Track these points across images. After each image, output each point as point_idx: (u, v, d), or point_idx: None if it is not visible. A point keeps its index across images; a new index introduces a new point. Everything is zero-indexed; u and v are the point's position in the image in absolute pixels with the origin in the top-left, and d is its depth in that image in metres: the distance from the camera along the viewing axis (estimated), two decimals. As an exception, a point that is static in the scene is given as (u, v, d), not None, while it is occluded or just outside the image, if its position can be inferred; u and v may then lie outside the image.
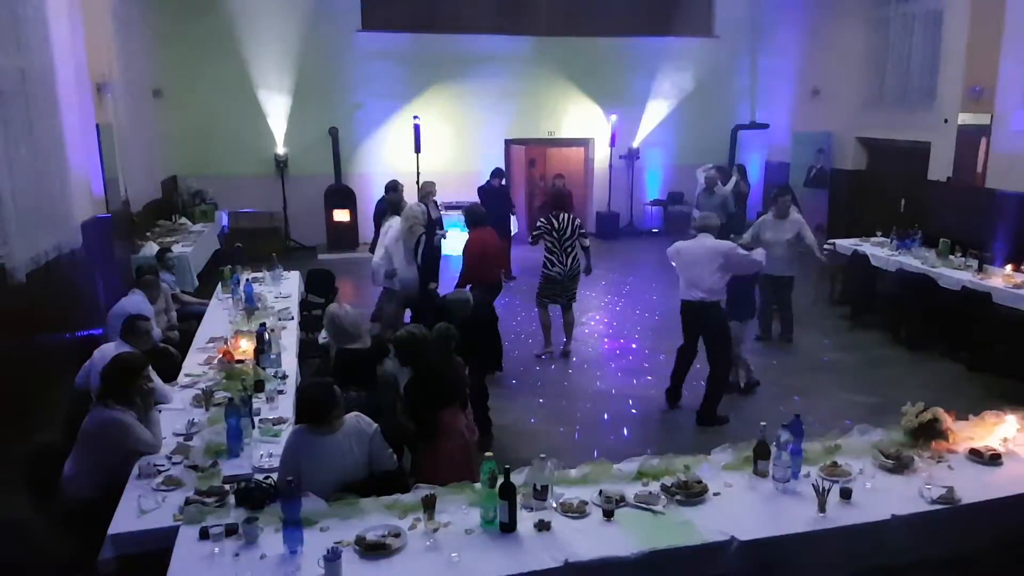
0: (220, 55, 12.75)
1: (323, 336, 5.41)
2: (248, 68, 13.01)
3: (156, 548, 3.20)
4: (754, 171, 14.46)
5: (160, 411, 4.36)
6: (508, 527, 3.23)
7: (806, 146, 13.38)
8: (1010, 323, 7.26)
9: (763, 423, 3.86)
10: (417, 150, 12.87)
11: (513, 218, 12.49)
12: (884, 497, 3.54)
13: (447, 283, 8.26)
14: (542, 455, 3.52)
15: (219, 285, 7.83)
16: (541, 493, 3.42)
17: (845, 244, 9.78)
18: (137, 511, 3.43)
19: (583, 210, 14.50)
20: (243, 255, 9.35)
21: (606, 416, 6.63)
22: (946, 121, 10.20)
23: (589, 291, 9.89)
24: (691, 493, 3.51)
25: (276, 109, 13.30)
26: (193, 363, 5.53)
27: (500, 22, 13.81)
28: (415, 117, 13.01)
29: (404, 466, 4.33)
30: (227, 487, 3.55)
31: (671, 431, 6.28)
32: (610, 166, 14.68)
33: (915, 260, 8.64)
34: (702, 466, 3.82)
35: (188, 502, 3.42)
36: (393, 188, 9.00)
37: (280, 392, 4.90)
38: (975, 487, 3.61)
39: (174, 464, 3.87)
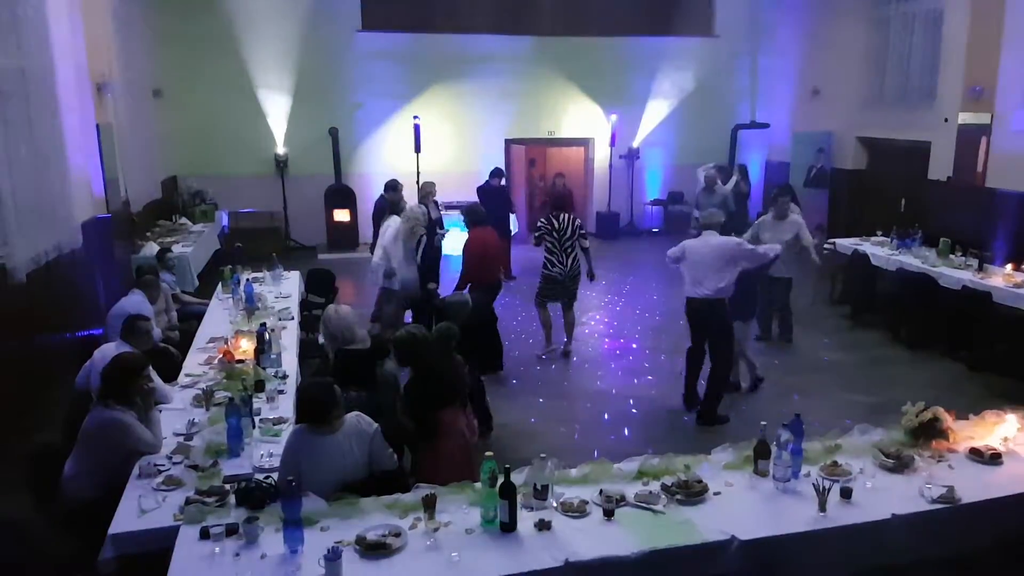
0: (220, 55, 12.75)
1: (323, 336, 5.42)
2: (248, 68, 13.02)
3: (156, 548, 3.20)
4: (754, 171, 14.46)
5: (160, 411, 4.36)
6: (508, 527, 3.23)
7: (806, 146, 13.38)
8: (1010, 322, 7.26)
9: (763, 422, 3.86)
10: (417, 150, 12.87)
11: (513, 218, 12.49)
12: (884, 496, 3.54)
13: (447, 283, 8.27)
14: (542, 455, 3.52)
15: (219, 285, 7.83)
16: (541, 493, 3.42)
17: (845, 244, 9.78)
18: (137, 511, 3.43)
19: (583, 210, 14.51)
20: (243, 255, 9.35)
21: (606, 416, 6.63)
22: (946, 121, 10.20)
23: (589, 291, 9.88)
24: (691, 492, 3.51)
25: (276, 109, 13.31)
26: (193, 363, 5.53)
27: (500, 22, 13.80)
28: (415, 117, 13.01)
29: (404, 466, 4.33)
30: (227, 487, 3.55)
31: (671, 431, 6.28)
32: (610, 166, 14.68)
33: (915, 260, 8.64)
34: (702, 465, 3.82)
35: (188, 502, 3.42)
36: (393, 187, 9.00)
37: (280, 392, 4.90)
38: (975, 486, 3.61)
39: (174, 464, 3.87)
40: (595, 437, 6.18)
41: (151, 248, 9.13)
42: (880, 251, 9.19)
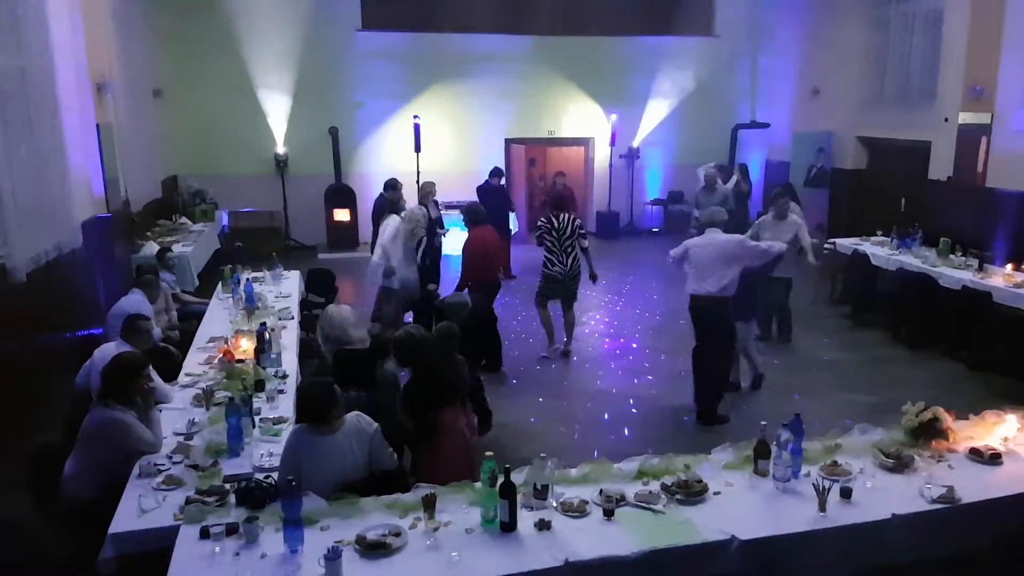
0: (220, 55, 12.75)
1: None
2: (248, 68, 13.02)
3: (157, 547, 3.20)
4: (754, 171, 14.45)
5: (160, 411, 4.36)
6: (508, 526, 3.23)
7: (806, 145, 13.38)
8: (1010, 322, 7.26)
9: (763, 422, 3.86)
10: (417, 149, 12.87)
11: (513, 217, 12.51)
12: (884, 496, 3.54)
13: (448, 283, 8.27)
14: (542, 454, 3.52)
15: (219, 285, 7.84)
16: (541, 492, 3.42)
17: (845, 243, 9.78)
18: (138, 510, 3.43)
19: (583, 209, 14.52)
20: (243, 254, 9.35)
21: (606, 415, 6.63)
22: (946, 120, 10.20)
23: (589, 291, 9.87)
24: (691, 492, 3.51)
25: (276, 109, 13.31)
26: (193, 363, 5.53)
27: (500, 21, 13.81)
28: (415, 116, 13.01)
29: (404, 465, 4.34)
30: (227, 486, 3.55)
31: (671, 430, 6.28)
32: (610, 165, 14.68)
33: (915, 259, 8.64)
34: (702, 465, 3.82)
35: (189, 501, 3.42)
36: (392, 186, 9.01)
37: (280, 392, 4.90)
38: (975, 486, 3.61)
39: (175, 463, 3.87)
40: (595, 437, 6.18)
41: (151, 248, 9.14)
42: (880, 251, 9.19)
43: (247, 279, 7.71)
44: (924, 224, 9.59)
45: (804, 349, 8.25)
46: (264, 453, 3.97)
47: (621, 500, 3.44)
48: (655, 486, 3.59)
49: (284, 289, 7.86)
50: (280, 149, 13.35)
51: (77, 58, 7.16)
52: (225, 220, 12.75)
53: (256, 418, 4.37)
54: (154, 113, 11.82)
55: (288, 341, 5.98)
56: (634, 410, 6.75)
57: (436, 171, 12.17)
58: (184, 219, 11.64)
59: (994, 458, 3.88)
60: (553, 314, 8.06)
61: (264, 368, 5.18)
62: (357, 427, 3.76)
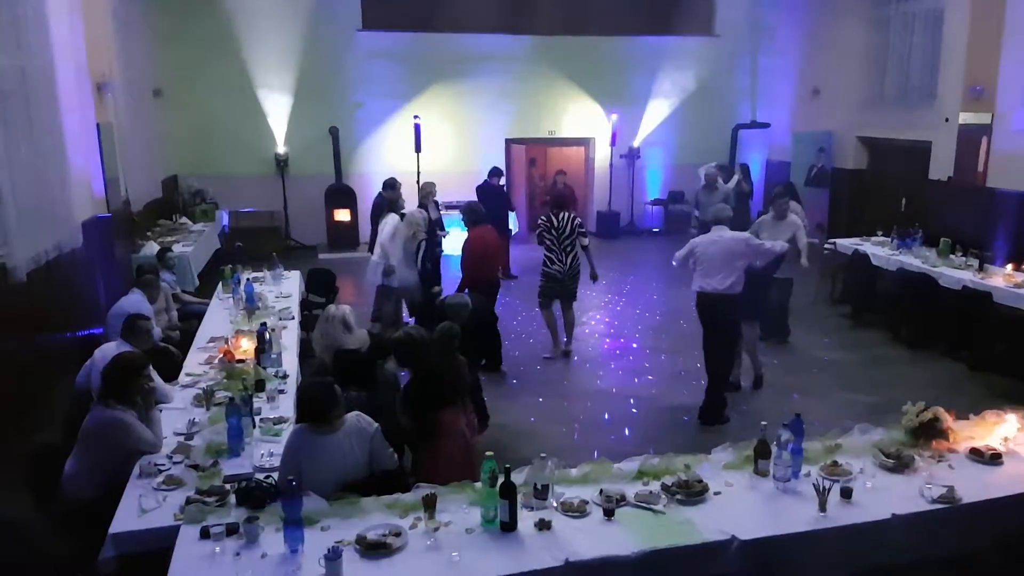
0: (220, 55, 12.74)
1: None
2: (248, 68, 13.01)
3: (157, 547, 3.20)
4: (755, 170, 14.43)
5: (161, 410, 4.36)
6: (509, 526, 3.23)
7: (807, 145, 13.37)
8: (1011, 322, 7.26)
9: (764, 422, 3.86)
10: (417, 149, 12.87)
11: (513, 217, 12.51)
12: (884, 496, 3.54)
13: (449, 284, 8.28)
14: (542, 454, 3.52)
15: (220, 284, 7.84)
16: (542, 492, 3.42)
17: (846, 243, 9.78)
18: (138, 510, 3.43)
19: (584, 209, 14.52)
20: (244, 254, 9.35)
21: (606, 415, 6.63)
22: (947, 120, 10.20)
23: (589, 291, 9.88)
24: (692, 492, 3.51)
25: (276, 109, 13.30)
26: (194, 362, 5.53)
27: (501, 21, 13.80)
28: (415, 116, 13.01)
29: (405, 465, 4.34)
30: (228, 486, 3.56)
31: (671, 430, 6.27)
32: (611, 165, 14.68)
33: (916, 259, 8.64)
34: (703, 465, 3.82)
35: (189, 501, 3.43)
36: (391, 186, 9.02)
37: (281, 391, 4.90)
38: (975, 486, 3.61)
39: (175, 463, 3.87)
40: (595, 437, 6.18)
41: (151, 247, 9.14)
42: (880, 251, 9.19)
43: (247, 279, 7.70)
44: (924, 224, 9.59)
45: (804, 349, 8.25)
46: (264, 453, 3.98)
47: (621, 500, 3.44)
48: (655, 486, 3.59)
49: (284, 289, 7.86)
50: (280, 149, 13.35)
51: (77, 58, 7.16)
52: (225, 220, 12.75)
53: (256, 418, 4.37)
54: (154, 113, 11.82)
55: (288, 341, 5.98)
56: (634, 410, 6.75)
57: (436, 171, 12.18)
58: (184, 219, 11.64)
59: (994, 458, 3.88)
60: (554, 313, 8.05)
61: (264, 368, 5.18)
62: (357, 427, 3.76)
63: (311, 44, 13.12)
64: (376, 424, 3.83)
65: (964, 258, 8.44)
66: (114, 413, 3.93)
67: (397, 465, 3.98)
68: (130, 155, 9.36)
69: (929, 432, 3.99)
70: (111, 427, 3.90)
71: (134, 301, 6.17)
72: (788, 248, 6.99)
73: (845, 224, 12.09)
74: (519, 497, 3.29)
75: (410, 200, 9.63)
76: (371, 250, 8.52)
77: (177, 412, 4.57)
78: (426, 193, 9.54)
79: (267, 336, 5.43)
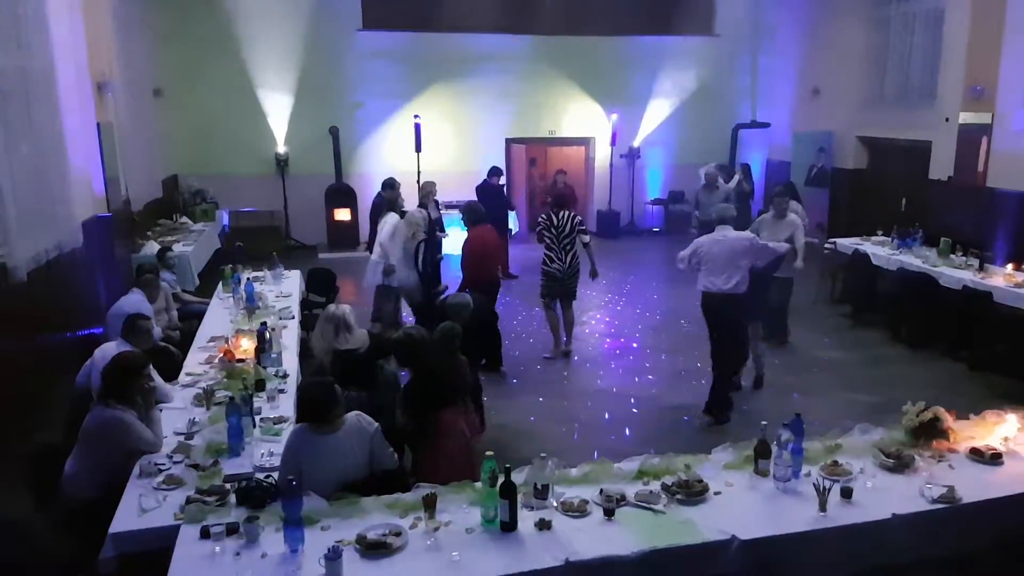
0: (220, 54, 12.75)
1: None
2: (248, 67, 13.01)
3: (157, 547, 3.20)
4: (755, 170, 14.44)
5: (161, 410, 4.36)
6: (509, 526, 3.23)
7: (807, 145, 13.38)
8: (1011, 322, 7.26)
9: (764, 422, 3.87)
10: (418, 149, 12.87)
11: (512, 216, 12.51)
12: (885, 496, 3.54)
13: (450, 284, 8.28)
14: (543, 454, 3.52)
15: (220, 284, 7.84)
16: (542, 492, 3.42)
17: (846, 243, 9.78)
18: (138, 510, 3.43)
19: (584, 209, 14.51)
20: (244, 254, 9.36)
21: (607, 415, 6.63)
22: (947, 120, 10.20)
23: (590, 290, 9.89)
24: (692, 492, 3.51)
25: (277, 108, 13.30)
26: (194, 362, 5.53)
27: (501, 21, 13.80)
28: (416, 116, 13.01)
29: (405, 465, 4.34)
30: (228, 486, 3.55)
31: (672, 430, 6.27)
32: (611, 165, 14.67)
33: (916, 259, 8.64)
34: (703, 465, 3.82)
35: (189, 501, 3.42)
36: (390, 186, 9.03)
37: (281, 391, 4.90)
38: (976, 486, 3.61)
39: (175, 463, 3.87)
40: (595, 437, 6.18)
41: (152, 247, 9.14)
42: (881, 251, 9.19)
43: (248, 279, 7.71)
44: (924, 224, 9.59)
45: (804, 349, 8.25)
46: (264, 453, 3.98)
47: (621, 500, 3.44)
48: (655, 486, 3.59)
49: (285, 289, 7.86)
50: (280, 149, 13.35)
51: (77, 58, 7.16)
52: (226, 220, 12.75)
53: (257, 418, 4.37)
54: (154, 113, 11.82)
55: (289, 341, 5.98)
56: (634, 410, 6.75)
57: (436, 171, 12.17)
58: (185, 218, 11.65)
59: (995, 458, 3.88)
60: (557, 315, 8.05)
61: (265, 368, 5.18)
62: (358, 427, 3.76)
63: (311, 44, 13.12)
64: (376, 424, 3.83)
65: (964, 258, 8.44)
66: (114, 413, 3.93)
67: (397, 465, 3.98)
68: (130, 155, 9.35)
69: (929, 432, 3.99)
70: (111, 427, 3.90)
71: (134, 301, 6.17)
72: (788, 249, 7.00)
73: (845, 224, 12.09)
74: (519, 497, 3.29)
75: (410, 200, 9.63)
76: (370, 250, 8.52)
77: (177, 412, 4.57)
78: (426, 193, 9.54)
79: (267, 336, 5.43)
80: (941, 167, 10.39)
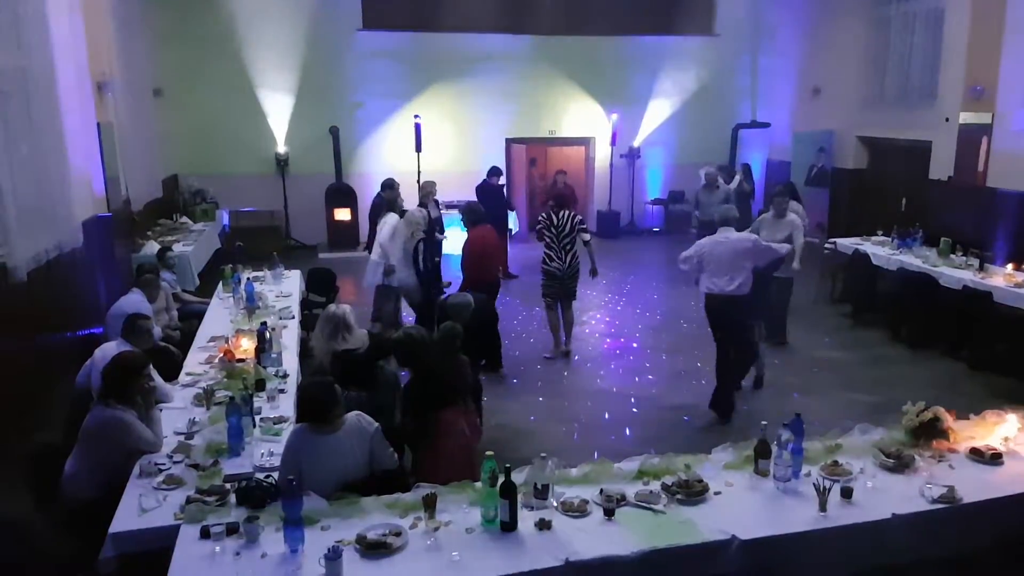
0: (220, 54, 12.75)
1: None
2: (248, 67, 13.01)
3: (157, 547, 3.20)
4: (755, 170, 14.45)
5: (161, 410, 4.36)
6: (509, 526, 3.23)
7: (807, 145, 13.38)
8: (1011, 322, 7.26)
9: (764, 422, 3.87)
10: (418, 149, 12.86)
11: (512, 216, 12.51)
12: (885, 496, 3.54)
13: (452, 282, 8.28)
14: (543, 454, 3.52)
15: (220, 284, 7.84)
16: (542, 492, 3.42)
17: (846, 243, 9.77)
18: (138, 510, 3.43)
19: (584, 209, 14.51)
20: (244, 254, 9.35)
21: (607, 415, 6.63)
22: (947, 120, 10.20)
23: (590, 290, 9.89)
24: (692, 492, 3.51)
25: (277, 108, 13.31)
26: (194, 362, 5.54)
27: (501, 21, 13.80)
28: (416, 116, 13.00)
29: (405, 465, 4.34)
30: (228, 486, 3.55)
31: (672, 430, 6.27)
32: (611, 165, 14.67)
33: (916, 259, 8.64)
34: (703, 465, 3.82)
35: (189, 501, 3.42)
36: (389, 186, 9.04)
37: (281, 391, 4.90)
38: (976, 486, 3.61)
39: (175, 463, 3.87)
40: (595, 437, 6.18)
41: (152, 247, 9.14)
42: (881, 250, 9.19)
43: (248, 278, 7.71)
44: (925, 224, 9.59)
45: (804, 349, 8.24)
46: (264, 453, 3.98)
47: (622, 500, 3.44)
48: (655, 486, 3.59)
49: (285, 288, 7.86)
50: (281, 148, 13.35)
51: (77, 57, 7.15)
52: (226, 219, 12.75)
53: (257, 417, 4.37)
54: (155, 112, 11.82)
55: (289, 341, 5.98)
56: (635, 410, 6.75)
57: (437, 171, 12.16)
58: (185, 218, 11.65)
59: (995, 458, 3.88)
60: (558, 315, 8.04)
61: (265, 367, 5.18)
62: (358, 427, 3.76)
63: (311, 44, 13.12)
64: (376, 424, 3.83)
65: (964, 258, 8.44)
66: (114, 412, 3.93)
67: (397, 465, 3.98)
68: (130, 154, 9.35)
69: (929, 432, 3.99)
70: (111, 426, 3.90)
71: (133, 301, 6.17)
72: (791, 249, 6.99)
73: (845, 224, 12.09)
74: (519, 497, 3.29)
75: (410, 200, 9.63)
76: (368, 250, 8.52)
77: (177, 411, 4.57)
78: (426, 192, 9.54)
79: (267, 335, 5.43)
80: (941, 167, 10.39)
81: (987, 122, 9.48)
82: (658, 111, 14.89)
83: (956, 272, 8.08)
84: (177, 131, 12.72)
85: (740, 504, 3.49)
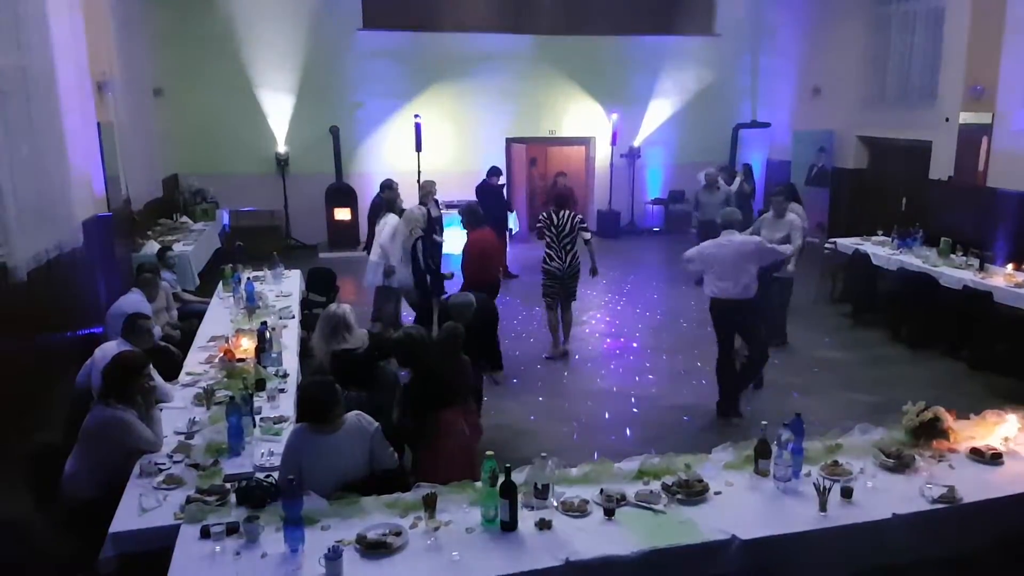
0: (220, 54, 12.75)
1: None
2: (248, 67, 13.01)
3: (157, 547, 3.20)
4: (756, 170, 14.45)
5: (161, 410, 4.37)
6: (509, 526, 3.23)
7: (807, 145, 13.37)
8: (1011, 322, 7.26)
9: (764, 422, 3.87)
10: (418, 149, 12.87)
11: (512, 217, 12.50)
12: (885, 496, 3.54)
13: (450, 284, 8.28)
14: (543, 454, 3.52)
15: (220, 284, 7.84)
16: (542, 492, 3.42)
17: (846, 243, 9.77)
18: (138, 510, 3.43)
19: (584, 209, 14.52)
20: (244, 253, 9.35)
21: (607, 415, 6.63)
22: (947, 120, 10.20)
23: (590, 290, 9.88)
24: (692, 492, 3.51)
25: (277, 108, 13.31)
26: (194, 362, 5.54)
27: (501, 21, 13.81)
28: (416, 116, 13.00)
29: (405, 465, 4.34)
30: (228, 486, 3.55)
31: (672, 430, 6.27)
32: (611, 165, 14.67)
33: (916, 259, 8.64)
34: (703, 465, 3.82)
35: (189, 501, 3.42)
36: (388, 186, 9.05)
37: (281, 391, 4.90)
38: (976, 486, 3.61)
39: (175, 463, 3.87)
40: (595, 436, 6.18)
41: (152, 247, 9.14)
42: (881, 250, 9.19)
43: (248, 278, 7.70)
44: (925, 224, 9.58)
45: (804, 349, 8.24)
46: (265, 452, 3.98)
47: (622, 500, 3.44)
48: (656, 486, 3.59)
49: (285, 288, 7.86)
50: (281, 148, 13.35)
51: (78, 57, 7.15)
52: (226, 219, 12.75)
53: (257, 417, 4.37)
54: (155, 112, 11.81)
55: (289, 340, 5.98)
56: (635, 409, 6.75)
57: (437, 170, 12.16)
58: (185, 218, 11.65)
59: (995, 458, 3.88)
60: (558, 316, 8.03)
61: (265, 367, 5.18)
62: (358, 426, 3.76)
63: (311, 43, 13.12)
64: (376, 423, 3.83)
65: (964, 258, 8.44)
66: (114, 412, 3.93)
67: (397, 464, 3.98)
68: (130, 154, 9.35)
69: (929, 432, 3.99)
70: (111, 426, 3.90)
71: (133, 300, 6.17)
72: (794, 250, 6.97)
73: (845, 224, 12.09)
74: (519, 497, 3.29)
75: (410, 199, 9.63)
76: (367, 250, 8.52)
77: (177, 411, 4.57)
78: (427, 192, 9.54)
79: (267, 335, 5.43)
80: (941, 167, 10.39)
81: (987, 122, 9.48)
82: (658, 111, 14.89)
83: (956, 272, 8.08)
84: (177, 131, 12.73)
85: (740, 504, 3.49)
